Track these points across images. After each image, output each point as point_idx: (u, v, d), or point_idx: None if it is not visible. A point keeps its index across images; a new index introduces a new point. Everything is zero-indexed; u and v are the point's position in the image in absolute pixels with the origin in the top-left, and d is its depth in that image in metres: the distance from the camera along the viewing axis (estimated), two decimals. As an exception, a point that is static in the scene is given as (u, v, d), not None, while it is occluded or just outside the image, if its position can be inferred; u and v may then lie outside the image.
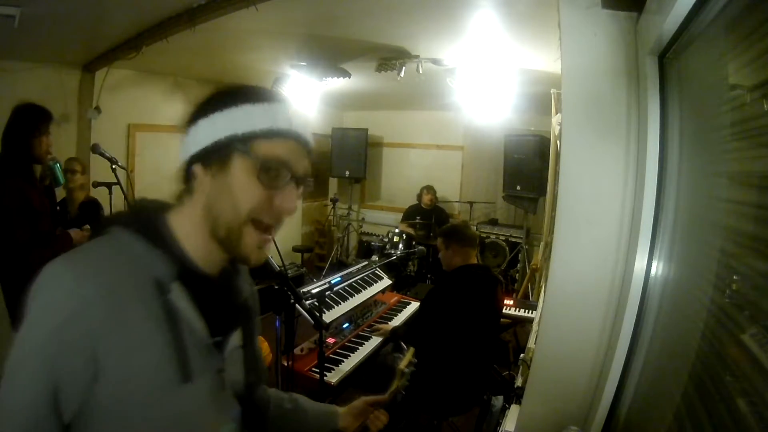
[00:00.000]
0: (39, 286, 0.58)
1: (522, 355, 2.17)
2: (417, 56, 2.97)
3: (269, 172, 0.64)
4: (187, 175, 0.67)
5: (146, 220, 0.66)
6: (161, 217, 0.67)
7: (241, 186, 0.64)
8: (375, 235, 5.92)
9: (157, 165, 3.92)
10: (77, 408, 0.58)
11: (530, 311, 3.18)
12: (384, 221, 6.09)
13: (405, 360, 1.20)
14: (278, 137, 0.66)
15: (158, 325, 0.60)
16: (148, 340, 0.60)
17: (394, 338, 2.69)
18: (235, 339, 0.73)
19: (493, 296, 2.36)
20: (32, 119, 2.04)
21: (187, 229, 0.67)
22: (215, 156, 0.64)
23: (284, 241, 5.51)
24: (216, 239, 0.66)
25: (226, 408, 0.72)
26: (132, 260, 0.61)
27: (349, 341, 2.62)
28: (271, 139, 0.65)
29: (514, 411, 1.60)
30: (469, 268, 2.31)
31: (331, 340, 2.59)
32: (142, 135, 3.79)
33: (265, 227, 0.66)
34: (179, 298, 0.63)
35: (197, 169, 0.65)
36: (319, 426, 0.94)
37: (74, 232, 2.21)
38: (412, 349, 1.25)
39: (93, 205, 2.40)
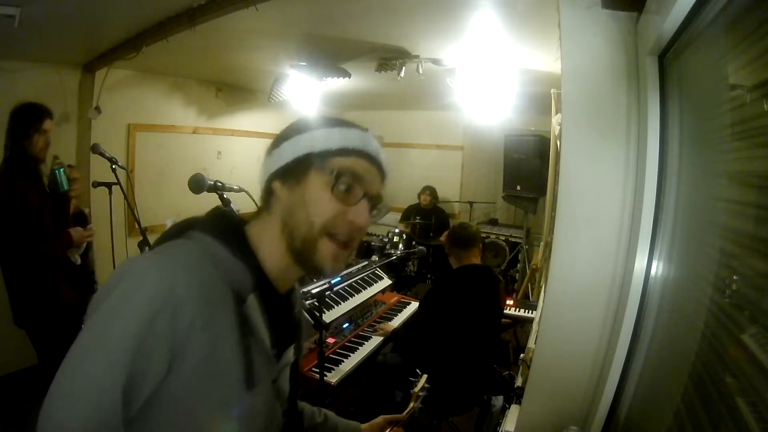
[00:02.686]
0: (127, 276, 0.59)
1: (522, 355, 2.17)
2: (417, 56, 2.97)
3: (342, 186, 0.68)
4: (267, 192, 0.71)
5: (227, 229, 0.69)
6: (241, 229, 0.71)
7: (316, 198, 0.67)
8: (375, 235, 5.91)
9: (157, 165, 3.93)
10: (145, 400, 0.58)
11: (530, 311, 3.18)
12: (384, 221, 6.08)
13: (419, 384, 1.29)
14: (353, 155, 0.70)
15: (234, 331, 0.63)
16: (225, 344, 0.62)
17: (394, 339, 2.69)
18: (290, 353, 0.77)
19: (495, 296, 2.35)
20: (26, 118, 2.06)
21: (265, 243, 0.70)
22: (293, 171, 0.69)
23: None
24: (292, 252, 0.69)
25: (275, 418, 0.75)
26: (216, 265, 0.64)
27: (349, 341, 2.62)
28: (347, 156, 0.69)
29: (514, 411, 1.60)
30: (469, 269, 2.31)
31: (331, 340, 2.59)
32: (142, 135, 3.79)
33: (340, 241, 0.69)
34: (254, 309, 0.66)
35: (276, 185, 0.70)
36: None
37: (75, 231, 2.21)
38: (425, 376, 1.33)
39: (81, 216, 2.41)
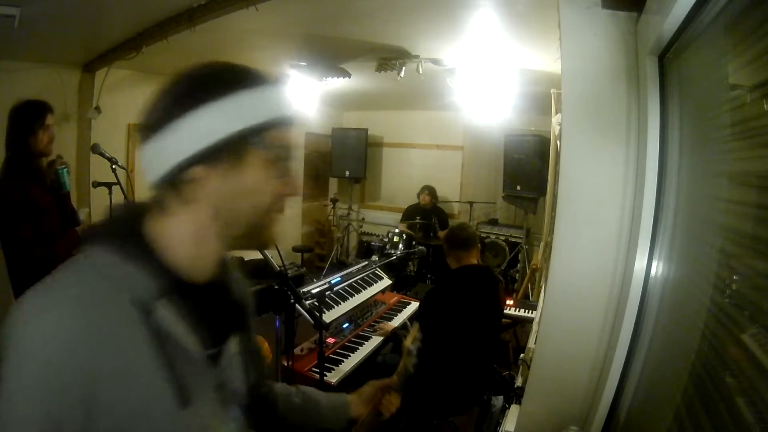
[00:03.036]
0: (18, 326, 0.52)
1: (522, 355, 2.17)
2: (417, 56, 2.97)
3: (283, 162, 0.63)
4: (179, 180, 0.58)
5: (122, 233, 0.60)
6: (140, 229, 0.61)
7: (259, 182, 0.61)
8: (375, 235, 5.92)
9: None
10: None
11: (530, 311, 3.18)
12: (384, 221, 6.09)
13: (410, 337, 1.18)
14: (287, 124, 0.63)
15: (148, 349, 0.55)
16: (140, 368, 0.55)
17: (394, 339, 2.69)
18: (232, 346, 0.68)
19: (495, 296, 2.35)
20: (30, 115, 2.05)
21: (178, 238, 0.61)
22: (224, 153, 0.58)
23: (284, 241, 5.51)
24: (231, 238, 0.63)
25: (230, 423, 0.68)
26: (111, 283, 0.55)
27: (349, 341, 2.62)
28: (282, 128, 0.62)
29: (514, 411, 1.60)
30: (469, 269, 2.31)
31: (331, 340, 2.59)
32: (142, 135, 3.79)
33: (281, 211, 0.65)
34: (166, 316, 0.57)
35: (198, 171, 0.58)
36: (333, 416, 0.92)
37: (81, 230, 2.21)
38: (416, 325, 1.24)
39: (73, 215, 2.41)
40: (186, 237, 0.61)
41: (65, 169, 2.18)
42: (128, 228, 0.61)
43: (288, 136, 0.63)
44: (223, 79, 0.60)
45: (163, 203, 0.61)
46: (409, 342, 1.17)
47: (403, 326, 2.82)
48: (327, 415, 0.91)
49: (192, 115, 0.57)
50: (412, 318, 3.02)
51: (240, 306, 0.73)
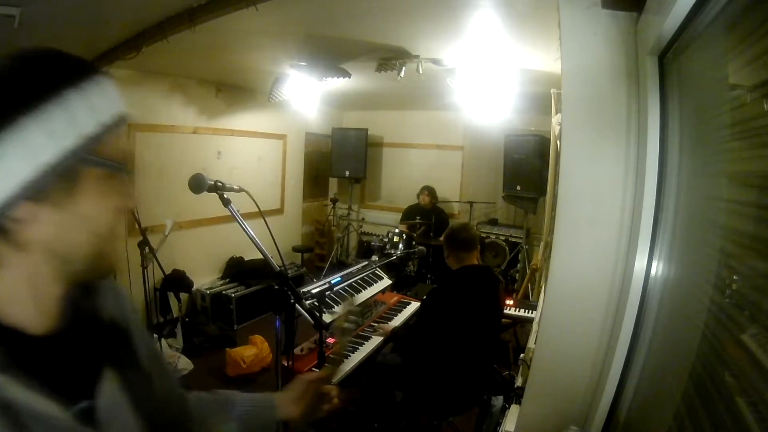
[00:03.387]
0: None
1: (522, 355, 2.17)
2: (417, 56, 2.97)
3: (120, 175, 0.53)
4: (1, 225, 0.46)
5: None
6: None
7: (97, 205, 0.50)
8: (375, 235, 5.92)
9: (157, 165, 3.93)
10: None
11: (530, 311, 3.18)
12: (384, 221, 6.09)
13: (342, 314, 1.03)
14: (118, 125, 0.52)
15: None
16: None
17: (394, 338, 2.69)
18: (108, 386, 0.54)
19: (495, 296, 2.35)
20: None
21: (12, 293, 0.49)
22: (52, 182, 0.46)
23: (284, 241, 5.51)
24: (71, 276, 0.52)
25: None
26: None
27: (349, 341, 2.62)
28: (114, 130, 0.51)
29: (514, 411, 1.60)
30: (469, 269, 2.31)
31: (331, 340, 2.59)
32: (142, 135, 3.79)
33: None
34: (12, 388, 0.44)
35: (23, 211, 0.46)
36: (254, 421, 0.79)
37: None
38: (349, 299, 1.16)
39: None
40: (21, 289, 0.49)
41: None
42: None
43: (121, 143, 0.53)
44: (31, 85, 0.46)
45: None
46: (343, 321, 1.02)
47: (404, 326, 2.82)
48: (247, 421, 0.78)
49: (7, 137, 0.44)
50: (413, 317, 3.01)
51: (115, 331, 0.60)
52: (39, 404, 0.46)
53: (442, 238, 2.46)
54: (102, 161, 0.50)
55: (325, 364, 0.94)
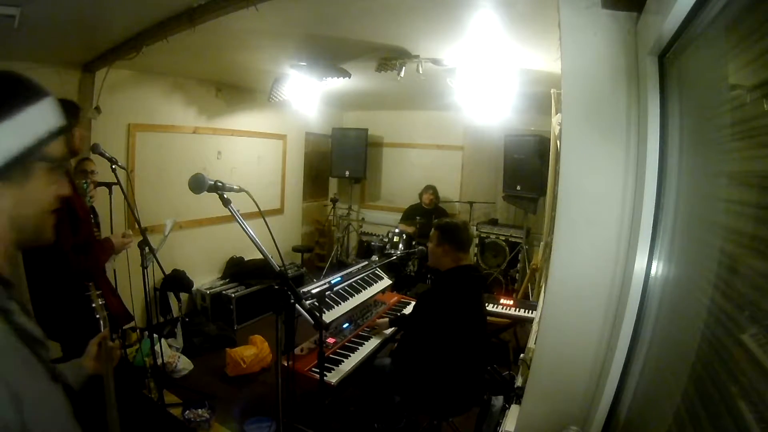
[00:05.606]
0: None
1: (522, 355, 2.17)
2: (417, 56, 2.97)
3: (59, 170, 0.71)
4: None
5: None
6: None
7: (44, 190, 0.69)
8: (375, 235, 5.92)
9: (157, 165, 3.93)
10: None
11: (530, 311, 3.18)
12: (384, 221, 6.09)
13: (95, 300, 1.33)
14: (59, 133, 0.70)
15: (18, 341, 0.63)
16: (25, 357, 0.63)
17: (397, 322, 2.69)
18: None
19: (481, 296, 2.34)
20: (69, 113, 2.08)
21: None
22: (17, 169, 0.65)
23: (284, 241, 5.51)
24: (22, 241, 0.70)
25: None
26: None
27: (349, 341, 2.62)
28: (56, 137, 0.70)
29: (514, 411, 1.60)
30: (465, 270, 2.27)
31: (331, 340, 2.59)
32: (142, 135, 3.79)
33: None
34: (17, 313, 0.65)
35: None
36: (75, 378, 1.05)
37: (115, 238, 2.21)
38: (91, 285, 1.38)
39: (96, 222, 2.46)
40: None
41: (90, 183, 2.25)
42: None
43: (60, 146, 0.71)
44: (6, 98, 0.65)
45: None
46: (99, 304, 1.32)
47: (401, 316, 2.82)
48: (71, 378, 1.03)
49: None
50: (408, 318, 3.02)
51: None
52: (31, 326, 0.67)
53: (434, 231, 2.32)
54: (48, 157, 0.68)
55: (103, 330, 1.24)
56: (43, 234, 0.72)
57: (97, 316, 1.29)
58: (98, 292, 1.36)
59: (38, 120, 0.67)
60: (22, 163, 0.65)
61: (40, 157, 0.67)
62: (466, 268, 2.28)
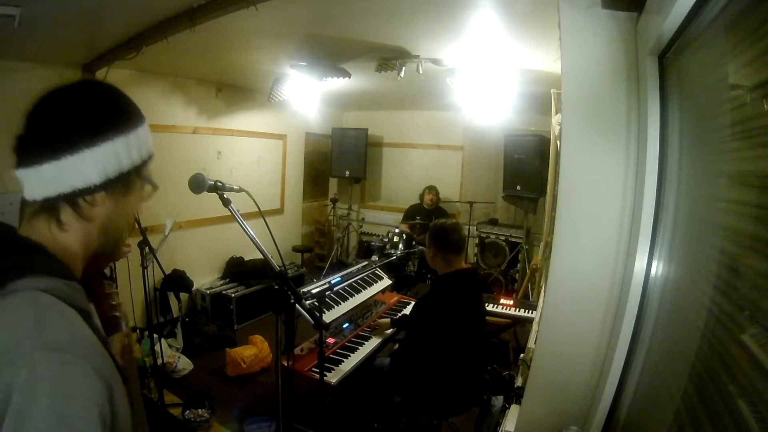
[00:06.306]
0: (43, 379, 0.52)
1: (522, 355, 2.17)
2: (417, 56, 2.97)
3: (149, 186, 0.76)
4: (79, 200, 0.66)
5: (40, 257, 0.63)
6: (46, 249, 0.64)
7: (134, 205, 0.74)
8: (375, 235, 5.92)
9: (158, 165, 3.92)
10: None
11: (530, 311, 3.18)
12: (384, 221, 6.09)
13: (114, 298, 1.35)
14: (153, 155, 0.76)
15: (100, 344, 0.62)
16: (104, 357, 0.61)
17: (399, 323, 2.68)
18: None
19: (480, 299, 2.33)
20: None
21: (80, 250, 0.69)
22: (119, 184, 0.69)
23: (284, 241, 5.51)
24: (102, 249, 0.73)
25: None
26: (63, 300, 0.60)
27: (349, 341, 2.62)
28: (151, 160, 0.75)
29: (514, 411, 1.60)
30: (460, 274, 2.23)
31: (331, 340, 2.59)
32: (142, 135, 3.79)
33: None
34: (94, 315, 0.68)
35: (99, 197, 0.67)
36: None
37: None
38: (111, 284, 1.41)
39: None
40: (83, 248, 0.70)
41: None
42: (42, 253, 0.64)
43: (152, 168, 0.76)
44: (108, 116, 0.68)
45: (59, 218, 0.66)
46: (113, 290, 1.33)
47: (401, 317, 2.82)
48: None
49: (99, 148, 0.65)
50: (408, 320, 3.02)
51: None
52: (98, 322, 0.71)
53: (427, 236, 2.28)
54: (145, 177, 0.74)
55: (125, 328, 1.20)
56: (120, 245, 0.76)
57: (118, 313, 1.30)
58: (116, 291, 1.38)
59: (145, 141, 0.72)
60: (127, 179, 0.69)
61: (140, 175, 0.72)
62: (462, 272, 2.24)
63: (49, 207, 0.66)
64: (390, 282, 3.38)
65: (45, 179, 0.64)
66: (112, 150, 0.66)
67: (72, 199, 0.65)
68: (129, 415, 0.65)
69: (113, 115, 0.69)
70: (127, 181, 0.70)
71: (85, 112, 0.66)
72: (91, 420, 0.54)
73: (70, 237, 0.67)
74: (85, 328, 0.61)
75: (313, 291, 2.14)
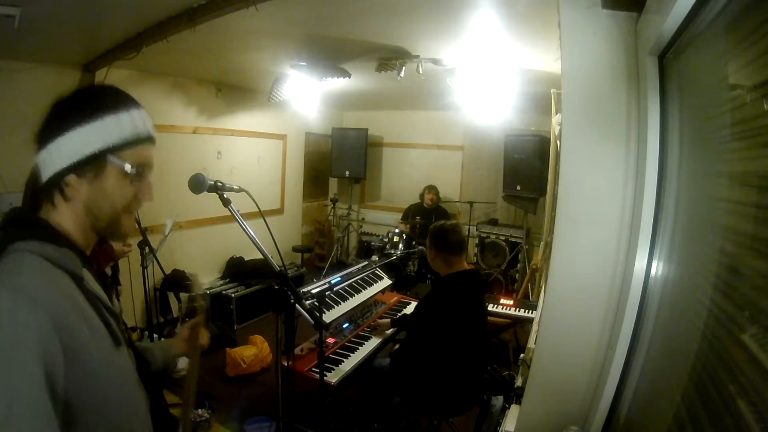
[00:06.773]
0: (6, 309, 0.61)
1: (522, 355, 2.17)
2: (417, 56, 2.97)
3: (137, 176, 0.80)
4: (59, 184, 0.75)
5: (39, 228, 0.74)
6: (46, 222, 0.76)
7: (115, 189, 0.78)
8: (375, 235, 5.92)
9: (158, 165, 3.91)
10: (64, 398, 0.64)
11: (530, 311, 3.18)
12: (384, 221, 6.09)
13: (196, 289, 1.46)
14: (141, 143, 0.80)
15: (86, 305, 0.72)
16: (88, 319, 0.71)
17: (399, 323, 2.68)
18: (115, 302, 0.86)
19: (481, 301, 2.33)
20: None
21: (72, 226, 0.78)
22: (89, 167, 0.75)
23: (284, 241, 5.51)
24: (97, 230, 0.80)
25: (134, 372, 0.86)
26: (52, 262, 0.70)
27: (349, 341, 2.62)
28: (138, 145, 0.79)
29: (514, 411, 1.60)
30: (461, 276, 2.23)
31: (331, 340, 2.59)
32: (142, 135, 3.79)
33: (135, 212, 0.84)
34: (89, 281, 0.76)
35: (72, 179, 0.75)
36: (165, 357, 1.16)
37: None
38: (195, 275, 1.47)
39: None
40: (75, 225, 0.78)
41: None
42: (40, 224, 0.75)
43: (143, 153, 0.80)
44: (84, 105, 0.77)
45: (52, 199, 0.77)
46: (197, 291, 1.44)
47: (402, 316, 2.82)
48: (159, 357, 1.14)
49: (67, 135, 0.74)
50: (409, 320, 3.02)
51: (104, 272, 0.90)
52: (101, 294, 0.79)
53: (427, 238, 2.29)
54: (119, 162, 0.77)
55: (199, 314, 1.29)
56: (118, 228, 0.81)
57: (195, 304, 1.33)
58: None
59: (113, 128, 0.76)
60: (92, 162, 0.75)
61: (112, 161, 0.76)
62: (465, 273, 2.24)
63: (47, 190, 0.76)
64: (390, 282, 3.38)
65: (42, 166, 0.75)
66: (77, 137, 0.74)
67: (56, 182, 0.75)
68: (122, 376, 0.76)
69: (81, 105, 0.76)
70: (96, 164, 0.75)
71: (61, 108, 0.77)
72: (27, 371, 0.59)
73: (61, 215, 0.77)
74: (71, 289, 0.70)
75: (313, 291, 2.14)
